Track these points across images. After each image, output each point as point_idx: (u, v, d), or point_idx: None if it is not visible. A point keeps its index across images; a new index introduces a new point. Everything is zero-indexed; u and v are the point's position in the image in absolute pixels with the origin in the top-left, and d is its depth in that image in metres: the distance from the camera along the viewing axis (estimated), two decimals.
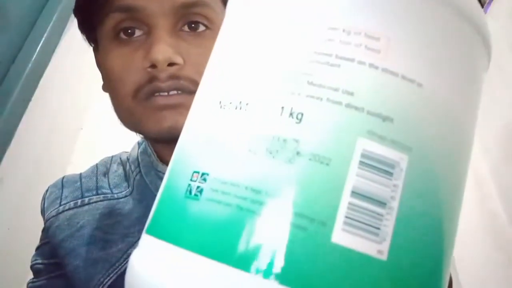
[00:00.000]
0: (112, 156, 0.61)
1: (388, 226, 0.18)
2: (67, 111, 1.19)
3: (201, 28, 0.44)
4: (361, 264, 0.18)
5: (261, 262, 0.18)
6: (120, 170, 0.57)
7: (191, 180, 0.21)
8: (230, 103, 0.21)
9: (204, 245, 0.19)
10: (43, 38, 1.10)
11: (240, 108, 0.21)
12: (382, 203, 0.19)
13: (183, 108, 0.43)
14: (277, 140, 0.19)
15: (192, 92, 0.43)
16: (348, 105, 0.19)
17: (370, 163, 0.19)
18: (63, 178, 0.59)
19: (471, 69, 0.22)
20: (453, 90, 0.21)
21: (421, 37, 0.21)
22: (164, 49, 0.42)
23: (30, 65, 1.07)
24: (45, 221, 0.56)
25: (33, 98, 1.08)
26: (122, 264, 0.50)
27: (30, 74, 1.07)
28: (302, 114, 0.19)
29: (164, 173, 0.59)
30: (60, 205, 0.55)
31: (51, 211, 0.55)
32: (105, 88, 0.50)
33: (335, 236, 0.18)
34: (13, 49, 1.07)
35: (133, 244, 0.50)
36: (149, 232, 0.22)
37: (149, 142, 0.54)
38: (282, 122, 0.20)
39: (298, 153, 0.19)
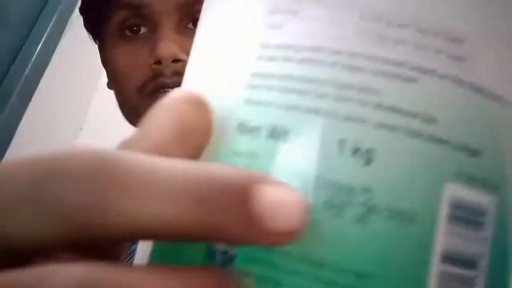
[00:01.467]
0: None
1: None
2: (67, 111, 1.19)
3: None
4: None
5: None
6: None
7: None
8: (259, 128, 0.15)
9: None
10: (43, 38, 1.11)
11: (276, 138, 0.15)
12: (473, 264, 0.15)
13: None
14: (339, 189, 0.14)
15: None
16: (431, 138, 0.14)
17: (461, 215, 0.15)
18: None
19: None
20: None
21: (506, 37, 0.16)
22: (169, 46, 0.42)
23: (30, 65, 1.07)
24: None
25: (33, 98, 1.08)
26: (127, 261, 0.50)
27: (30, 74, 1.07)
28: (372, 152, 0.14)
29: None
30: None
31: None
32: (110, 85, 0.51)
33: None
34: (13, 49, 1.07)
35: None
36: None
37: None
38: (344, 163, 0.14)
39: (371, 208, 0.14)
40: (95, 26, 0.50)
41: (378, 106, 0.15)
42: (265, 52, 0.16)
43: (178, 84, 0.44)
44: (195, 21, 0.45)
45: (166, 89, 0.44)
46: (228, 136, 0.15)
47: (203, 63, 0.18)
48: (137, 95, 0.45)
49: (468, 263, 0.15)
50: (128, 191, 0.10)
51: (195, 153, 0.13)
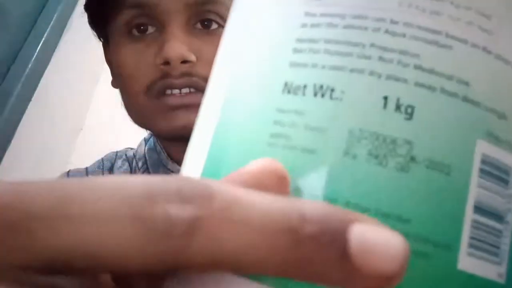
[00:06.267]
0: (117, 152, 0.60)
1: (506, 243, 0.16)
2: (67, 111, 1.19)
3: (214, 25, 0.45)
4: None
5: None
6: (125, 166, 0.57)
7: None
8: (305, 86, 0.16)
9: None
10: (43, 38, 1.10)
11: (322, 96, 0.16)
12: (500, 218, 0.16)
13: (196, 107, 0.43)
14: (382, 141, 0.16)
15: (204, 90, 0.43)
16: (465, 99, 0.16)
17: (490, 170, 0.16)
18: (68, 172, 0.59)
19: None
20: None
21: None
22: (177, 47, 0.42)
23: (30, 65, 1.07)
24: None
25: (33, 98, 1.07)
26: None
27: (30, 74, 1.07)
28: (412, 108, 0.16)
29: (173, 171, 0.58)
30: None
31: None
32: (115, 84, 0.50)
33: (461, 261, 0.15)
34: (13, 49, 1.07)
35: None
36: None
37: (158, 140, 0.54)
38: (387, 118, 0.16)
39: (412, 158, 0.15)
40: (100, 24, 0.50)
41: (418, 67, 0.16)
42: (309, 20, 0.18)
43: (185, 85, 0.44)
44: (203, 21, 0.45)
45: (173, 91, 0.44)
46: (273, 95, 0.17)
47: (245, 32, 0.19)
48: (144, 95, 0.45)
49: (496, 215, 0.16)
50: (227, 223, 0.10)
51: None
